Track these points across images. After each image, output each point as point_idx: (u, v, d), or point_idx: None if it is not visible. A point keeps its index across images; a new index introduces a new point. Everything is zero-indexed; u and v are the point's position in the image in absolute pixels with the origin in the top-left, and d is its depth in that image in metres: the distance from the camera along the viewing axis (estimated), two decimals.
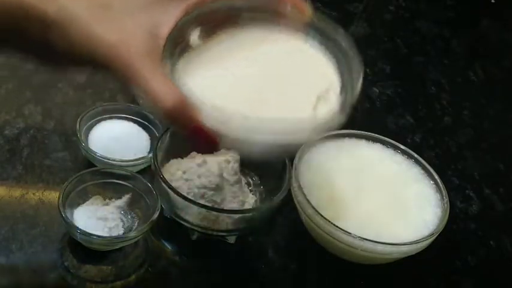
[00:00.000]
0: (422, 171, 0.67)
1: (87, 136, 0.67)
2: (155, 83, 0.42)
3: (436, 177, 0.66)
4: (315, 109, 0.48)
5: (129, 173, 0.63)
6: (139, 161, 0.65)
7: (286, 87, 0.49)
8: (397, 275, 0.65)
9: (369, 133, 0.70)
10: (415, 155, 0.68)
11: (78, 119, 0.66)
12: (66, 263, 0.59)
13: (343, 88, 0.50)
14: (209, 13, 0.48)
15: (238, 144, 0.47)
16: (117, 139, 0.68)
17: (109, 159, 0.64)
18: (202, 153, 0.57)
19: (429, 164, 0.67)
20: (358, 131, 0.70)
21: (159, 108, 0.42)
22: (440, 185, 0.65)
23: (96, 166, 0.65)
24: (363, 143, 0.69)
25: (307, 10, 0.51)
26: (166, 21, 0.44)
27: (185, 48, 0.48)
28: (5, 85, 0.74)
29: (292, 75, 0.51)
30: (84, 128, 0.67)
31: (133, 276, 0.59)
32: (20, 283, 0.57)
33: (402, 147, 0.69)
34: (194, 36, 0.49)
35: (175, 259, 0.62)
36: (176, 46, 0.47)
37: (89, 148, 0.65)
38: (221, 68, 0.49)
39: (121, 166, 0.64)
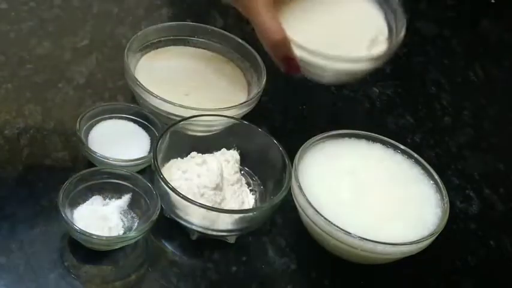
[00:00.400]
0: (422, 171, 0.67)
1: (87, 136, 0.67)
2: (268, 19, 0.59)
3: (436, 177, 0.66)
4: (369, 49, 0.65)
5: (129, 173, 0.63)
6: (139, 161, 0.65)
7: (348, 32, 0.66)
8: (397, 275, 0.65)
9: (369, 133, 0.70)
10: (415, 155, 0.68)
11: (78, 119, 0.66)
12: (66, 263, 0.59)
13: (390, 33, 0.67)
14: None
15: (316, 70, 0.64)
16: (117, 139, 0.68)
17: (109, 159, 0.64)
18: (290, 74, 0.65)
19: (429, 164, 0.67)
20: (358, 131, 0.70)
21: (267, 39, 0.60)
22: (440, 185, 0.65)
23: (96, 166, 0.65)
24: (363, 143, 0.69)
25: None
26: None
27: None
28: (5, 85, 0.74)
29: (351, 23, 0.67)
30: (84, 128, 0.67)
31: (133, 276, 0.59)
32: (20, 283, 0.57)
33: (402, 147, 0.69)
34: None
35: (175, 259, 0.62)
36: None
37: (89, 148, 0.65)
38: (305, 18, 0.66)
39: (121, 166, 0.64)
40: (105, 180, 0.63)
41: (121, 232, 0.60)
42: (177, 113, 0.67)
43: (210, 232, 0.61)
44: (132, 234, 0.59)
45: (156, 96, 0.68)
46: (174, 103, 0.67)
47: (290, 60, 0.61)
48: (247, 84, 0.76)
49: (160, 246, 0.62)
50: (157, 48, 0.77)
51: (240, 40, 0.78)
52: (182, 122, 0.66)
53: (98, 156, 0.64)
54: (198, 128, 0.68)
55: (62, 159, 0.67)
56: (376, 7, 0.69)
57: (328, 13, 0.67)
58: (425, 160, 0.68)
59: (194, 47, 0.79)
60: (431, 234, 0.60)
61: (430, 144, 0.82)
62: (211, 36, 0.79)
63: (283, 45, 0.60)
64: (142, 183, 0.62)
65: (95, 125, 0.69)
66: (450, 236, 0.66)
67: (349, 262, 0.63)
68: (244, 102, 0.71)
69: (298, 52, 0.61)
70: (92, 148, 0.65)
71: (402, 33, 0.66)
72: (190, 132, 0.67)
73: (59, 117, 0.72)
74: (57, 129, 0.70)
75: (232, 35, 0.79)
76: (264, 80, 0.73)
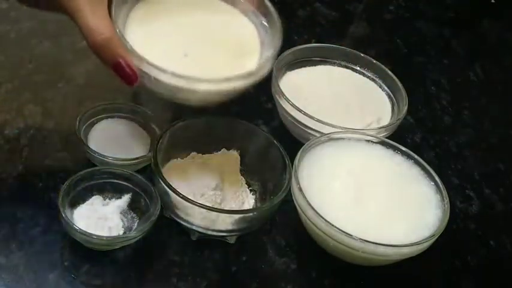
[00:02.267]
0: (422, 172, 0.67)
1: (87, 136, 0.67)
2: (90, 18, 0.49)
3: (436, 178, 0.66)
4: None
5: (128, 173, 0.63)
6: (139, 161, 0.65)
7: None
8: (397, 275, 0.65)
9: (369, 133, 0.70)
10: (415, 156, 0.68)
11: (78, 119, 0.66)
12: (66, 263, 0.59)
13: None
14: None
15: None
16: (117, 139, 0.68)
17: (109, 159, 0.64)
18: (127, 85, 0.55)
19: (429, 164, 0.67)
20: (358, 131, 0.70)
21: (87, 39, 0.49)
22: (441, 185, 0.65)
23: (96, 166, 0.65)
24: (363, 143, 0.69)
25: None
26: None
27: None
28: (5, 85, 0.74)
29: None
30: (84, 128, 0.67)
31: (133, 276, 0.59)
32: (20, 283, 0.57)
33: (402, 147, 0.69)
34: None
35: (175, 259, 0.62)
36: None
37: (89, 148, 0.65)
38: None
39: (121, 166, 0.64)
40: (105, 180, 0.63)
41: (121, 232, 0.60)
42: (170, 82, 0.54)
43: (210, 232, 0.61)
44: (132, 234, 0.59)
45: (147, 62, 0.54)
46: (165, 70, 0.53)
47: (120, 67, 0.51)
48: (260, 43, 0.63)
49: (160, 246, 0.62)
50: None
51: None
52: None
53: (98, 156, 0.64)
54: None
55: (62, 159, 0.67)
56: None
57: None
58: (425, 160, 0.68)
59: None
60: (431, 236, 0.60)
61: (430, 144, 0.82)
62: None
63: (107, 46, 0.50)
64: (142, 183, 0.62)
65: (95, 124, 0.69)
66: (450, 236, 0.66)
67: (349, 263, 0.63)
68: (253, 71, 0.58)
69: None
70: (91, 148, 0.65)
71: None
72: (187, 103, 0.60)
73: (59, 117, 0.72)
74: (57, 129, 0.70)
75: None
76: (280, 41, 0.61)
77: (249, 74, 0.56)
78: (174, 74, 0.52)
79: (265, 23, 0.62)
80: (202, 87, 0.54)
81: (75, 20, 0.49)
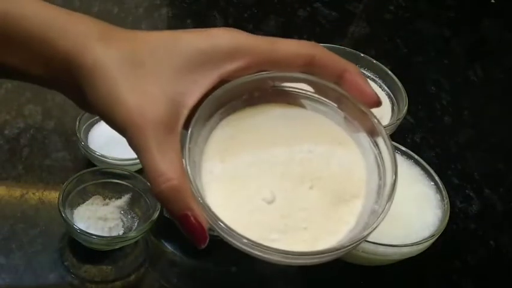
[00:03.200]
0: (422, 172, 0.67)
1: (87, 135, 0.67)
2: (156, 158, 0.39)
3: (436, 178, 0.66)
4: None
5: (128, 173, 0.63)
6: (139, 160, 0.65)
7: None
8: (397, 275, 0.65)
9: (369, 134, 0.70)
10: (415, 156, 0.68)
11: (78, 119, 0.66)
12: (66, 263, 0.59)
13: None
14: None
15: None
16: (116, 139, 0.67)
17: (109, 159, 0.64)
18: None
19: (429, 164, 0.67)
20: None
21: (151, 184, 0.39)
22: (441, 186, 0.65)
23: (96, 166, 0.65)
24: None
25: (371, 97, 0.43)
26: (194, 90, 0.40)
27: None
28: (5, 85, 0.74)
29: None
30: (84, 128, 0.67)
31: (133, 276, 0.59)
32: (20, 283, 0.57)
33: (402, 147, 0.69)
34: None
35: (175, 259, 0.62)
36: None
37: (89, 147, 0.65)
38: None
39: (121, 165, 0.64)
40: (105, 180, 0.63)
41: (121, 232, 0.60)
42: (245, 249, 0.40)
43: (210, 232, 0.61)
44: (132, 234, 0.59)
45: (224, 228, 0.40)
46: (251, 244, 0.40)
47: (186, 220, 0.39)
48: (366, 183, 0.45)
49: (160, 246, 0.62)
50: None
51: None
52: None
53: (98, 155, 0.64)
54: None
55: (61, 159, 0.67)
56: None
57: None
58: (425, 160, 0.68)
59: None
60: (431, 236, 0.60)
61: (430, 144, 0.82)
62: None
63: (174, 196, 0.38)
64: (142, 183, 0.62)
65: (95, 124, 0.68)
66: (450, 236, 0.66)
67: (349, 263, 0.63)
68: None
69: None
70: (91, 147, 0.65)
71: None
72: None
73: (59, 117, 0.72)
74: (57, 129, 0.70)
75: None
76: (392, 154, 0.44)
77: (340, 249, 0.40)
78: (249, 243, 0.40)
79: (376, 154, 0.45)
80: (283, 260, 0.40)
81: (140, 158, 0.40)
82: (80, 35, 0.40)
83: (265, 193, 0.41)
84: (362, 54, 0.80)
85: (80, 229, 0.57)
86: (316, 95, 0.44)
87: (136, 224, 0.62)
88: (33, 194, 0.64)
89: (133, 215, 0.62)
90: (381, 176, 0.44)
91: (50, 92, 0.74)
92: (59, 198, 0.58)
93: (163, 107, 0.39)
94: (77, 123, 0.66)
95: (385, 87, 0.79)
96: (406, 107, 0.74)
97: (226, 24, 0.89)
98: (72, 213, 0.60)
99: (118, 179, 0.63)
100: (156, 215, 0.59)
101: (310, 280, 0.64)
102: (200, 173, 0.41)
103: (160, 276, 0.60)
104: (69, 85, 0.41)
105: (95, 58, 0.39)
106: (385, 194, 0.44)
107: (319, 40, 0.88)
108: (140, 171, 0.65)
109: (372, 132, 0.44)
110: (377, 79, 0.79)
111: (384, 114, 0.76)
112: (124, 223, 0.61)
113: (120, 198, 0.63)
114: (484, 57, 1.04)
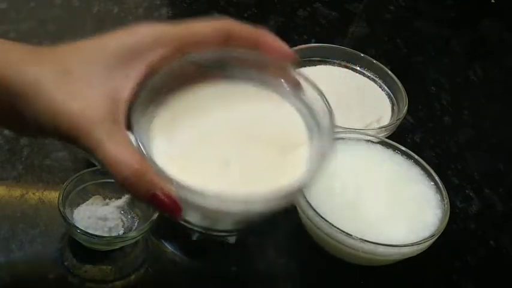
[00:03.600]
0: (422, 172, 0.67)
1: None
2: (113, 150, 0.40)
3: (436, 178, 0.66)
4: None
5: None
6: (95, 159, 0.65)
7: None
8: (397, 275, 0.65)
9: (369, 133, 0.70)
10: (415, 156, 0.68)
11: None
12: (66, 263, 0.59)
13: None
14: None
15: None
16: None
17: None
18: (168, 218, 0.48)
19: (429, 164, 0.67)
20: (358, 131, 0.70)
21: (114, 176, 0.40)
22: (441, 185, 0.65)
23: (96, 166, 0.65)
24: (362, 143, 0.69)
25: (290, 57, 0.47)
26: (127, 84, 0.43)
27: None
28: None
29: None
30: None
31: (133, 276, 0.59)
32: (20, 283, 0.57)
33: (402, 147, 0.69)
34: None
35: (175, 259, 0.62)
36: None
37: None
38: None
39: None
40: (105, 180, 0.63)
41: (121, 232, 0.60)
42: (208, 206, 0.42)
43: (210, 232, 0.61)
44: (132, 234, 0.59)
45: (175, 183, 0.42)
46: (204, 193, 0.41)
47: (157, 199, 0.41)
48: (308, 131, 0.48)
49: (160, 246, 0.62)
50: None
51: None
52: None
53: None
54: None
55: (61, 159, 0.67)
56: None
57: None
58: (425, 160, 0.68)
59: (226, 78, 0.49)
60: (431, 236, 0.60)
61: (430, 144, 0.82)
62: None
63: (140, 179, 0.40)
64: None
65: None
66: (450, 236, 0.66)
67: (349, 263, 0.63)
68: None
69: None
70: None
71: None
72: None
73: None
74: None
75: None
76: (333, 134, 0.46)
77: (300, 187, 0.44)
78: (218, 197, 0.41)
79: (308, 102, 0.48)
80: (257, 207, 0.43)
81: (96, 156, 0.41)
82: (11, 62, 0.42)
83: (219, 159, 0.45)
84: (362, 54, 0.81)
85: (80, 229, 0.57)
86: (238, 66, 0.48)
87: (136, 224, 0.62)
88: (33, 194, 0.64)
89: (133, 215, 0.62)
90: (319, 120, 0.47)
91: None
92: (59, 198, 0.58)
93: (103, 105, 0.41)
94: None
95: (385, 87, 0.79)
96: (406, 107, 0.74)
97: None
98: (72, 213, 0.60)
99: None
100: (156, 215, 0.59)
101: (310, 280, 0.64)
102: (153, 156, 0.43)
103: (160, 276, 0.60)
104: (5, 111, 0.42)
105: (29, 80, 0.41)
106: (325, 134, 0.46)
107: (319, 40, 0.88)
108: None
109: (296, 83, 0.48)
110: (377, 79, 0.79)
111: (384, 114, 0.76)
112: (124, 223, 0.61)
113: (120, 198, 0.63)
114: (484, 57, 1.04)
